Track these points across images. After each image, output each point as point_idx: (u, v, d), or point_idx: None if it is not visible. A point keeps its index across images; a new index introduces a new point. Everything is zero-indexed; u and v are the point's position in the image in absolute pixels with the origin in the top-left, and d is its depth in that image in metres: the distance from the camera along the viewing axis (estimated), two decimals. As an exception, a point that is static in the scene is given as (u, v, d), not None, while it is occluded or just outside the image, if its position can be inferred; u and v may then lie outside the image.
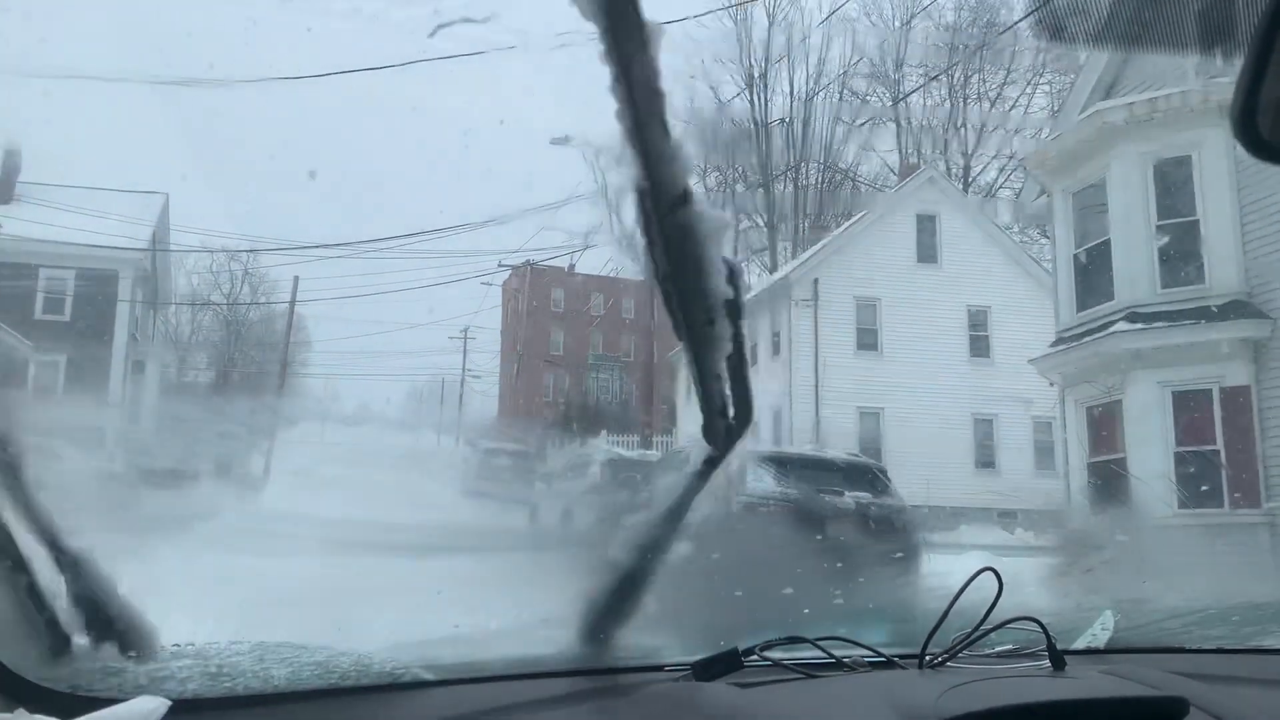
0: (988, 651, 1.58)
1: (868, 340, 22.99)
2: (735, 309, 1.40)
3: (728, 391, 1.47)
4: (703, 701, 1.40)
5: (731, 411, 1.49)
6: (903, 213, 24.11)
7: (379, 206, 50.32)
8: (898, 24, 34.25)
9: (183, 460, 18.02)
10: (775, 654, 1.51)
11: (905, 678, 1.46)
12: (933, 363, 22.02)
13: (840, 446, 14.47)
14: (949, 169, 32.31)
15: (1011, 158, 32.02)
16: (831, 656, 1.54)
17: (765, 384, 23.90)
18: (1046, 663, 1.48)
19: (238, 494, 16.75)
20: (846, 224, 26.14)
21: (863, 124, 34.62)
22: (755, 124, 34.55)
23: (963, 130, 35.09)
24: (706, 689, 1.45)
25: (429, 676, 1.44)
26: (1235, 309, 11.62)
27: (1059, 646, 1.49)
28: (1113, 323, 12.34)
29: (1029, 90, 34.24)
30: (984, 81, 34.58)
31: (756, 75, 34.06)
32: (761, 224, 34.34)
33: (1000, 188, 32.91)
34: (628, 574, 1.59)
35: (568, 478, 17.22)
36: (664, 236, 1.32)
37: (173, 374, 35.46)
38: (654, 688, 1.48)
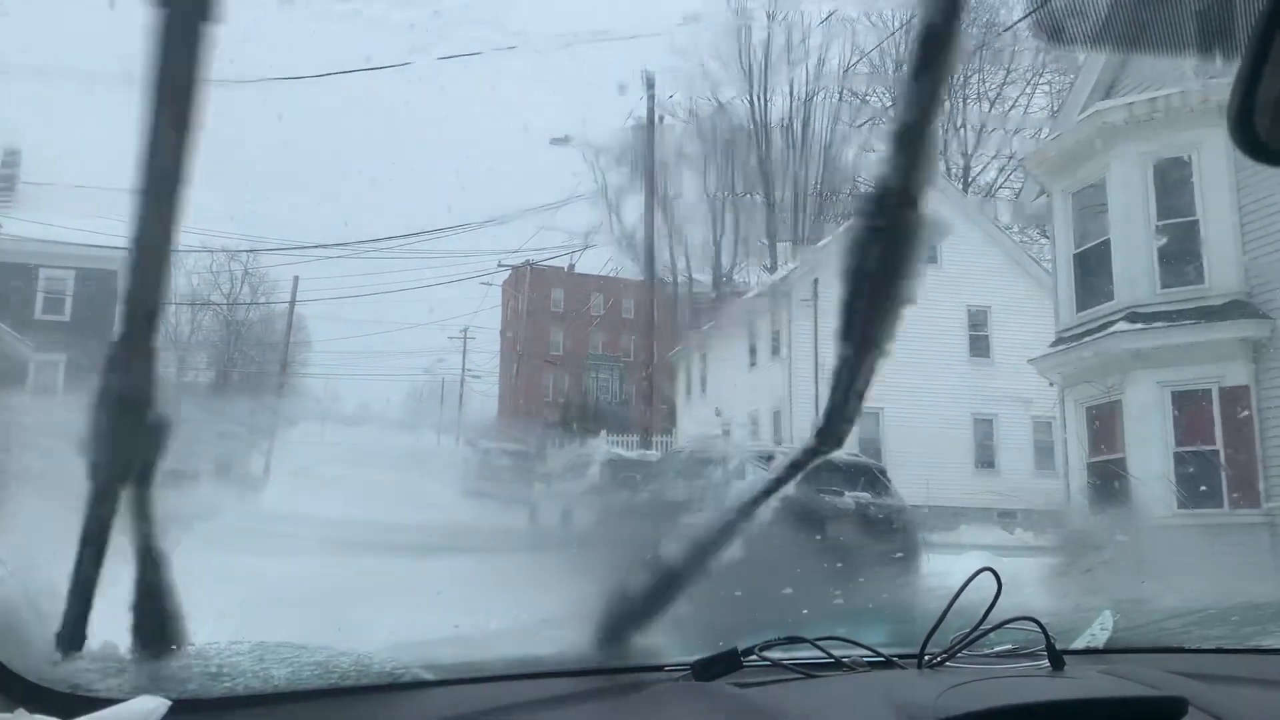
0: (987, 651, 1.59)
1: (867, 340, 22.99)
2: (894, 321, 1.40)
3: (855, 398, 1.47)
4: (702, 701, 1.40)
5: (847, 417, 1.50)
6: (902, 213, 24.12)
7: (379, 206, 50.26)
8: (897, 24, 34.24)
9: (182, 460, 17.98)
10: (775, 654, 1.51)
11: (904, 678, 1.47)
12: (933, 363, 22.00)
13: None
14: (949, 169, 32.30)
15: (1011, 158, 32.01)
16: (831, 656, 1.54)
17: (765, 384, 23.91)
18: (1045, 663, 1.48)
19: (238, 494, 16.73)
20: (846, 224, 26.14)
21: (860, 125, 34.61)
22: (754, 124, 34.56)
23: (962, 130, 35.10)
24: (706, 689, 1.45)
25: (429, 676, 1.44)
26: (1235, 309, 11.61)
27: (1058, 646, 1.49)
28: (1112, 323, 12.33)
29: (1029, 90, 34.24)
30: (984, 81, 34.57)
31: (756, 75, 34.05)
32: (761, 224, 34.33)
33: (1000, 188, 32.91)
34: (665, 573, 1.60)
35: (567, 478, 17.23)
36: (889, 234, 1.32)
37: (172, 374, 35.44)
38: (654, 688, 1.48)
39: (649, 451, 20.39)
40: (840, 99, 34.27)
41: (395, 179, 53.63)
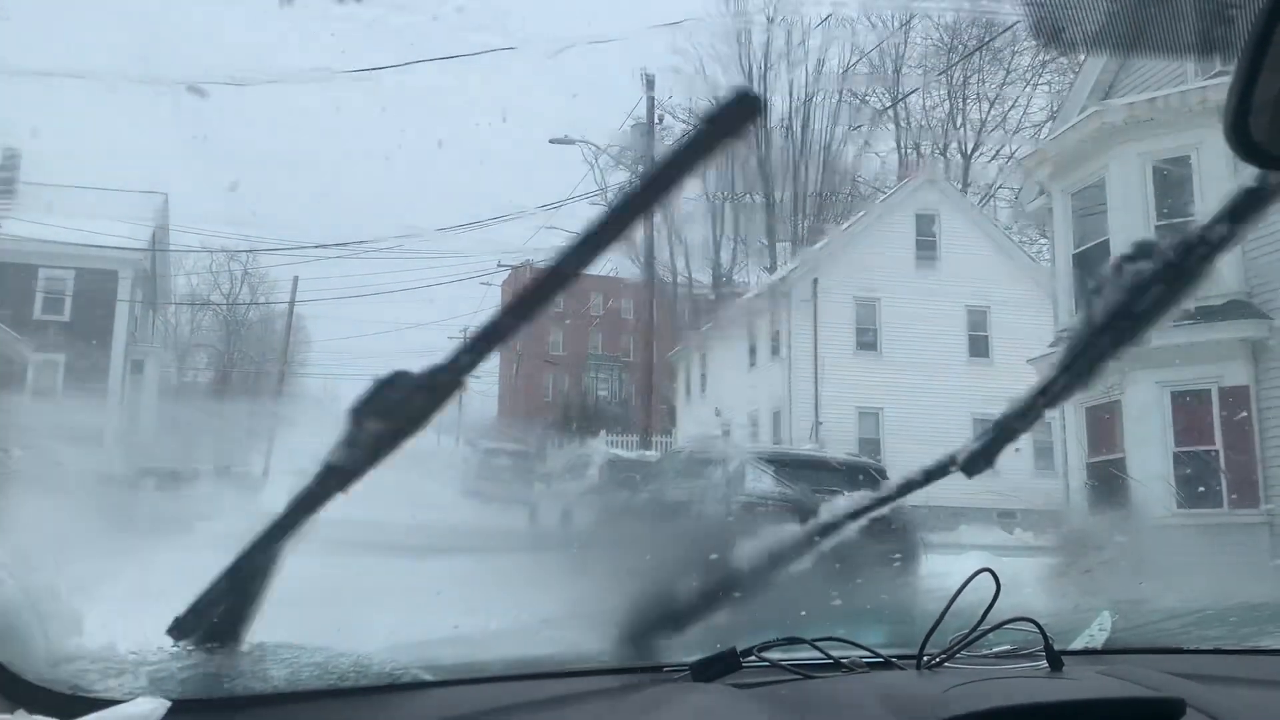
0: (985, 652, 1.59)
1: (867, 340, 23.00)
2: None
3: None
4: (701, 702, 1.40)
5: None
6: (902, 213, 24.13)
7: (379, 207, 50.26)
8: (896, 24, 34.25)
9: (182, 460, 18.02)
10: (774, 655, 1.51)
11: (903, 678, 1.47)
12: (932, 363, 22.02)
13: (839, 446, 14.48)
14: (948, 169, 32.32)
15: (1011, 158, 32.01)
16: (829, 657, 1.55)
17: (764, 384, 23.91)
18: (1044, 663, 1.48)
19: (237, 494, 16.73)
20: (846, 224, 26.15)
21: (859, 127, 34.64)
22: (754, 124, 34.51)
23: (962, 130, 35.13)
24: (705, 689, 1.45)
25: (428, 677, 1.44)
26: (1235, 309, 11.62)
27: (1056, 647, 1.49)
28: (1112, 323, 12.32)
29: (1028, 90, 34.26)
30: (983, 81, 34.59)
31: (756, 76, 34.04)
32: (761, 224, 34.34)
33: (999, 188, 32.92)
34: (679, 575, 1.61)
35: (567, 478, 17.24)
36: (1170, 282, 1.32)
37: (172, 374, 35.46)
38: (653, 688, 1.48)
39: (648, 452, 20.40)
40: (840, 99, 34.30)
41: (395, 179, 53.64)
